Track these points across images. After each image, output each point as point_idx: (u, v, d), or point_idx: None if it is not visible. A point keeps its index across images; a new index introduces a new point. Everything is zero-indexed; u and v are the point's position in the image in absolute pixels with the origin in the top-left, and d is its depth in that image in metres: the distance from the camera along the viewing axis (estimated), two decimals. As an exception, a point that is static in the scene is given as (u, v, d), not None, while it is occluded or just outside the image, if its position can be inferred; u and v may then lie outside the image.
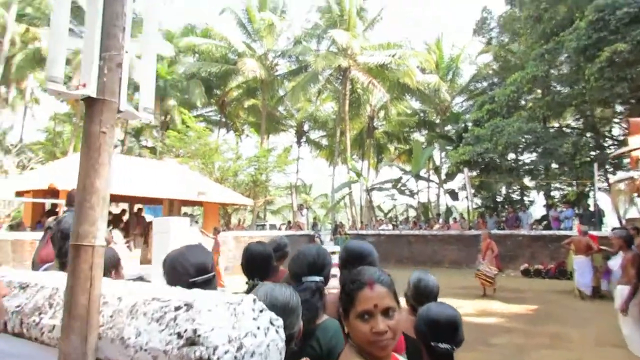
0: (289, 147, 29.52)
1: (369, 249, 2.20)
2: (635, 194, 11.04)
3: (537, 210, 22.04)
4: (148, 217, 15.87)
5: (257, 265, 2.40)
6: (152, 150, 28.10)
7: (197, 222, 14.79)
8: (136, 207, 14.45)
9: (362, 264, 2.00)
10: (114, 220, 11.87)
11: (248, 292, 2.29)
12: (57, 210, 8.44)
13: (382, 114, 30.78)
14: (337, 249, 14.79)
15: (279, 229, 24.00)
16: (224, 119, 31.76)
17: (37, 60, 21.66)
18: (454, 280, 13.69)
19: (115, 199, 13.21)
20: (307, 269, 1.94)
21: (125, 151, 29.12)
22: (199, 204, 14.54)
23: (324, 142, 35.54)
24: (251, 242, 2.59)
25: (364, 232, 20.43)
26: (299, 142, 35.55)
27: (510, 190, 20.79)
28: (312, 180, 43.84)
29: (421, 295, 2.35)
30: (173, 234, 4.89)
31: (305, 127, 35.10)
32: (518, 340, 6.63)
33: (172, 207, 13.63)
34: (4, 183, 12.14)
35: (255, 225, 24.36)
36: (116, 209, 14.63)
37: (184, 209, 14.58)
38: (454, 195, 25.05)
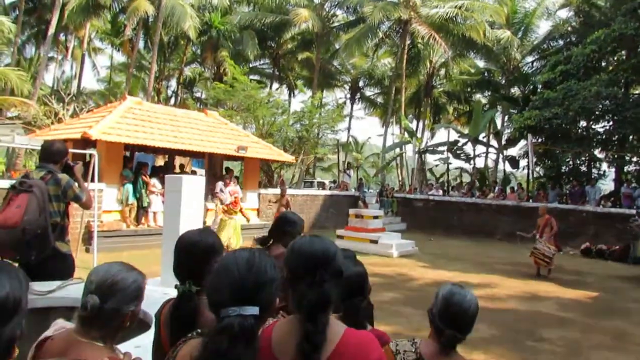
0: (342, 104, 28.56)
1: (331, 250, 1.36)
2: None
3: (607, 185, 20.16)
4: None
5: (190, 262, 1.69)
6: (204, 102, 28.15)
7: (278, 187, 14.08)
8: (179, 161, 14.42)
9: (325, 272, 1.29)
10: (154, 172, 11.83)
11: (177, 300, 1.67)
12: (88, 161, 8.25)
13: (442, 72, 29.00)
14: (382, 213, 14.20)
15: (323, 187, 23.63)
16: (277, 73, 31.15)
17: (92, 7, 21.45)
18: (505, 254, 12.81)
19: (156, 151, 13.16)
20: (229, 293, 1.15)
21: (179, 103, 29.41)
22: (241, 158, 14.21)
23: (379, 100, 34.30)
24: (188, 230, 1.88)
25: (412, 195, 19.59)
26: (352, 99, 34.51)
27: (578, 162, 18.96)
28: (364, 139, 42.97)
29: (453, 315, 1.71)
30: (185, 194, 4.42)
31: (360, 84, 33.89)
32: (573, 335, 5.81)
33: (213, 161, 13.37)
34: (44, 133, 12.25)
35: (302, 182, 24.09)
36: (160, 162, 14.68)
37: (226, 163, 14.31)
38: (514, 162, 23.43)
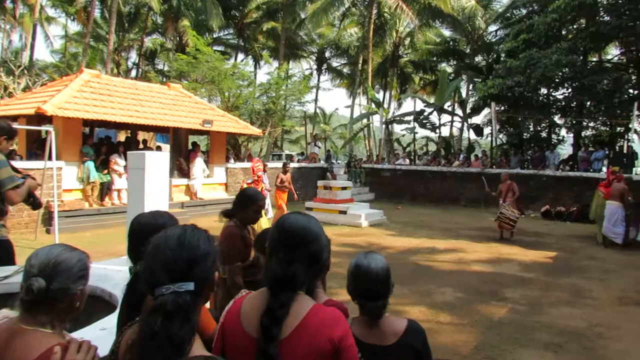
0: (309, 75, 28.22)
1: (312, 232, 1.37)
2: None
3: (565, 150, 20.92)
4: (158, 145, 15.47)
5: (142, 244, 1.64)
6: (166, 74, 27.22)
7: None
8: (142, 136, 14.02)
9: (299, 252, 1.32)
10: (112, 148, 11.46)
11: (130, 282, 1.63)
12: (44, 138, 7.90)
13: (408, 41, 28.99)
14: (350, 184, 14.30)
15: (292, 159, 23.53)
16: (242, 43, 30.38)
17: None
18: (469, 220, 13.20)
19: (117, 126, 12.72)
20: (162, 272, 1.11)
21: (140, 75, 28.35)
22: (207, 132, 13.92)
23: (346, 70, 34.09)
24: (141, 213, 1.82)
25: (379, 166, 19.78)
26: (319, 70, 34.17)
27: (539, 128, 19.53)
28: (332, 110, 42.87)
29: (364, 286, 1.70)
30: (149, 171, 4.30)
31: (327, 54, 33.52)
32: (534, 293, 6.10)
33: (179, 135, 13.04)
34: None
35: (270, 155, 23.91)
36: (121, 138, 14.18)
37: (191, 138, 14.00)
38: (478, 130, 23.93)
